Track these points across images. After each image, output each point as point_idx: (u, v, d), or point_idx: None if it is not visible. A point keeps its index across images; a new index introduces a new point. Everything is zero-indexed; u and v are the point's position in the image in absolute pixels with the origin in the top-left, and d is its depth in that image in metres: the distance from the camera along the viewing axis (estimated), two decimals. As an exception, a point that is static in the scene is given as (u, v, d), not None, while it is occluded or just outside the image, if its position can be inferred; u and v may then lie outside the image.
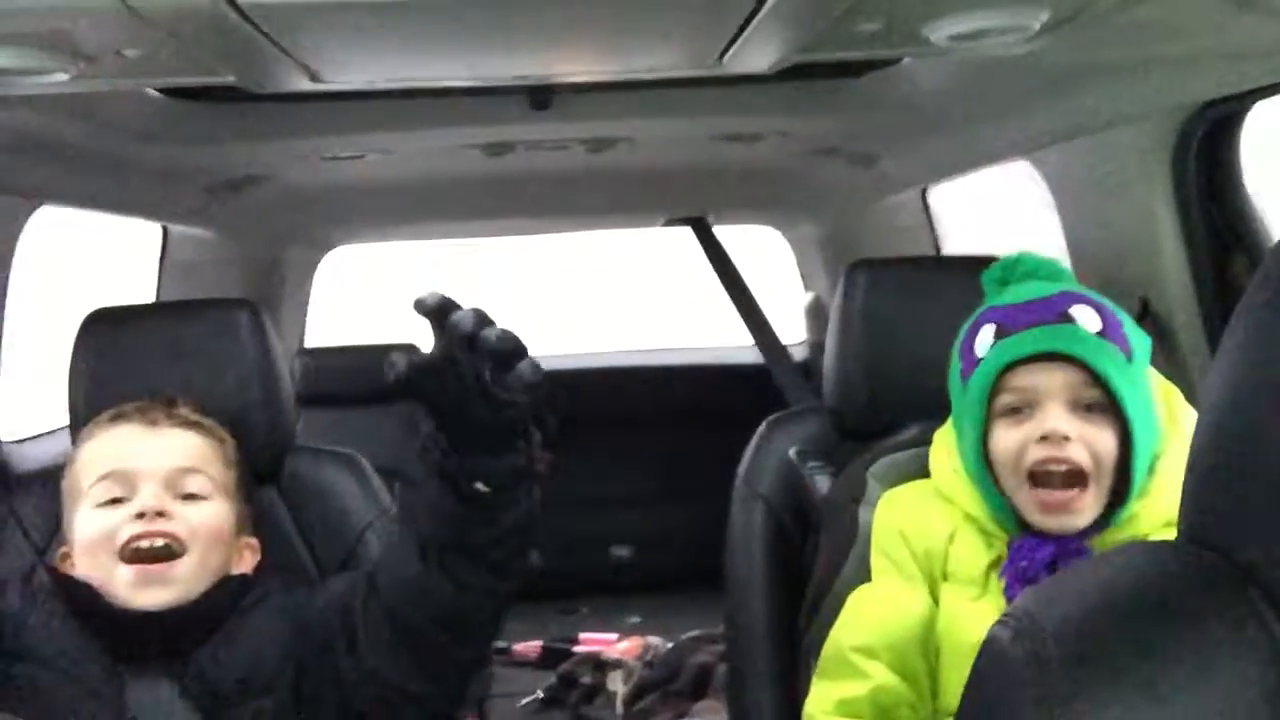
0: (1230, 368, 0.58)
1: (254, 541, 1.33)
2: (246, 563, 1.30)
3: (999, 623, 0.60)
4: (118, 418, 1.31)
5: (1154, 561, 0.61)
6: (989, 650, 0.60)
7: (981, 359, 1.18)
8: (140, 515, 1.20)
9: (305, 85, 1.11)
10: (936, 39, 0.97)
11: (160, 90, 1.54)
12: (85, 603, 1.20)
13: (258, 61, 1.01)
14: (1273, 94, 1.32)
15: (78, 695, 1.16)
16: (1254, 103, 1.40)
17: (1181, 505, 0.62)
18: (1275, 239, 1.50)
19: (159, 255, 2.45)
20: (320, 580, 1.46)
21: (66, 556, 1.27)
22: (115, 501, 1.23)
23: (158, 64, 0.99)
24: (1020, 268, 1.24)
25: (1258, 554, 0.54)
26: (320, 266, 3.13)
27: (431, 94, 1.63)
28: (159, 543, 1.20)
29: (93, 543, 1.21)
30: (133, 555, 1.19)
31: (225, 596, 1.24)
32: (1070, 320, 1.15)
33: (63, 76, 1.03)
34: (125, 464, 1.24)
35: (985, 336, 1.19)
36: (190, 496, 1.25)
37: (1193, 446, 0.61)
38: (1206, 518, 0.59)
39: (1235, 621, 0.53)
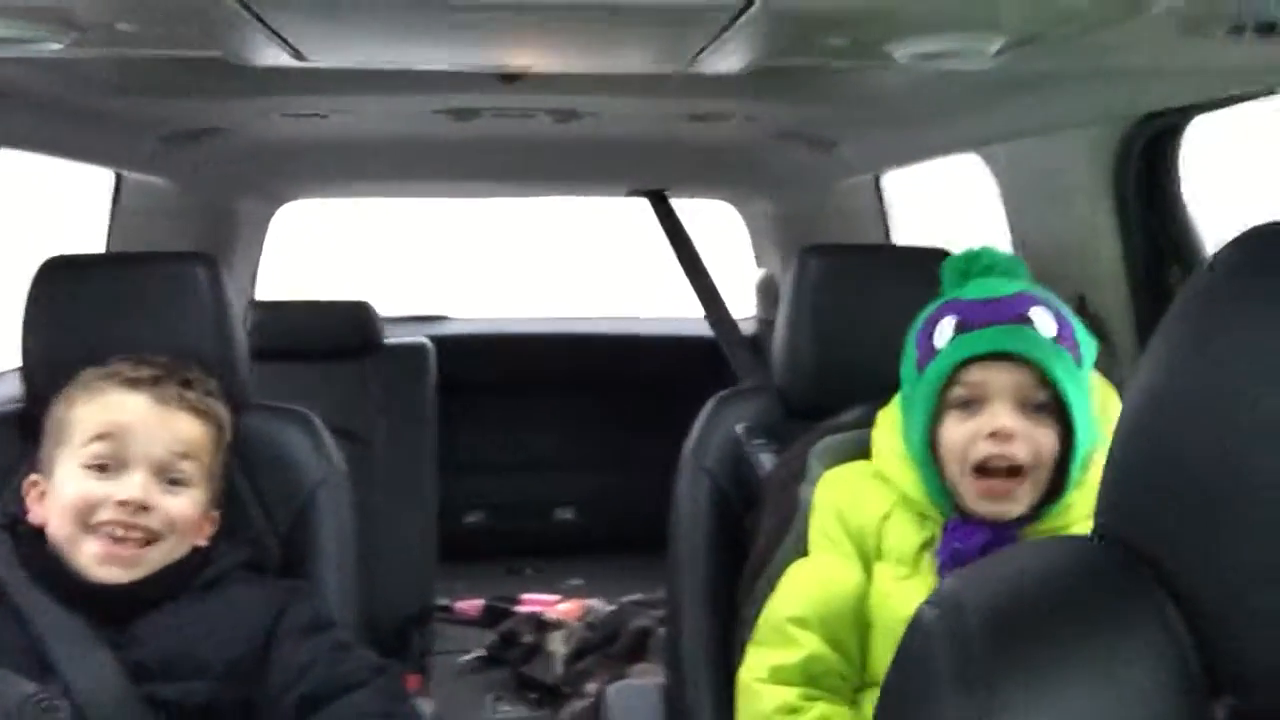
0: (1150, 376, 0.62)
1: (215, 514, 1.34)
2: (204, 533, 1.31)
3: (926, 603, 0.65)
4: (132, 382, 1.29)
5: (1071, 555, 0.65)
6: (915, 628, 0.65)
7: (939, 350, 1.22)
8: (123, 503, 1.21)
9: (290, 63, 1.12)
10: (900, 56, 1.00)
11: None
12: (46, 571, 1.21)
13: (245, 38, 1.01)
14: (1211, 109, 1.38)
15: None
16: (1193, 116, 1.46)
17: (1099, 499, 0.66)
18: (1207, 249, 1.58)
19: (111, 202, 2.42)
20: (273, 534, 1.48)
21: (36, 484, 1.28)
22: (102, 468, 1.23)
23: (148, 37, 1.00)
24: (981, 261, 1.27)
25: (1164, 552, 0.58)
26: (275, 219, 3.11)
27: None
28: (135, 534, 1.21)
29: (69, 506, 1.22)
30: (105, 537, 1.20)
31: (178, 573, 1.25)
32: (1028, 321, 1.19)
33: (55, 46, 1.03)
34: (123, 437, 1.24)
35: (945, 329, 1.23)
36: (175, 482, 1.26)
37: (1111, 446, 0.65)
38: (1120, 515, 0.63)
39: (1140, 615, 0.58)
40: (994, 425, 1.19)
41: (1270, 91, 1.24)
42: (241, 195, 2.83)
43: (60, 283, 1.50)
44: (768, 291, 3.21)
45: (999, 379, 1.19)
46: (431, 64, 1.23)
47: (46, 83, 1.50)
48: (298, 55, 1.10)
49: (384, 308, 2.98)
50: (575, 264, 5.58)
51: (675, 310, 3.48)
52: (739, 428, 1.57)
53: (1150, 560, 0.59)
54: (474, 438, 3.11)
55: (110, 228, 2.44)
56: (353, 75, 1.67)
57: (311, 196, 3.14)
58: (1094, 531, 0.66)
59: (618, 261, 5.20)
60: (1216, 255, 0.60)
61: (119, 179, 2.40)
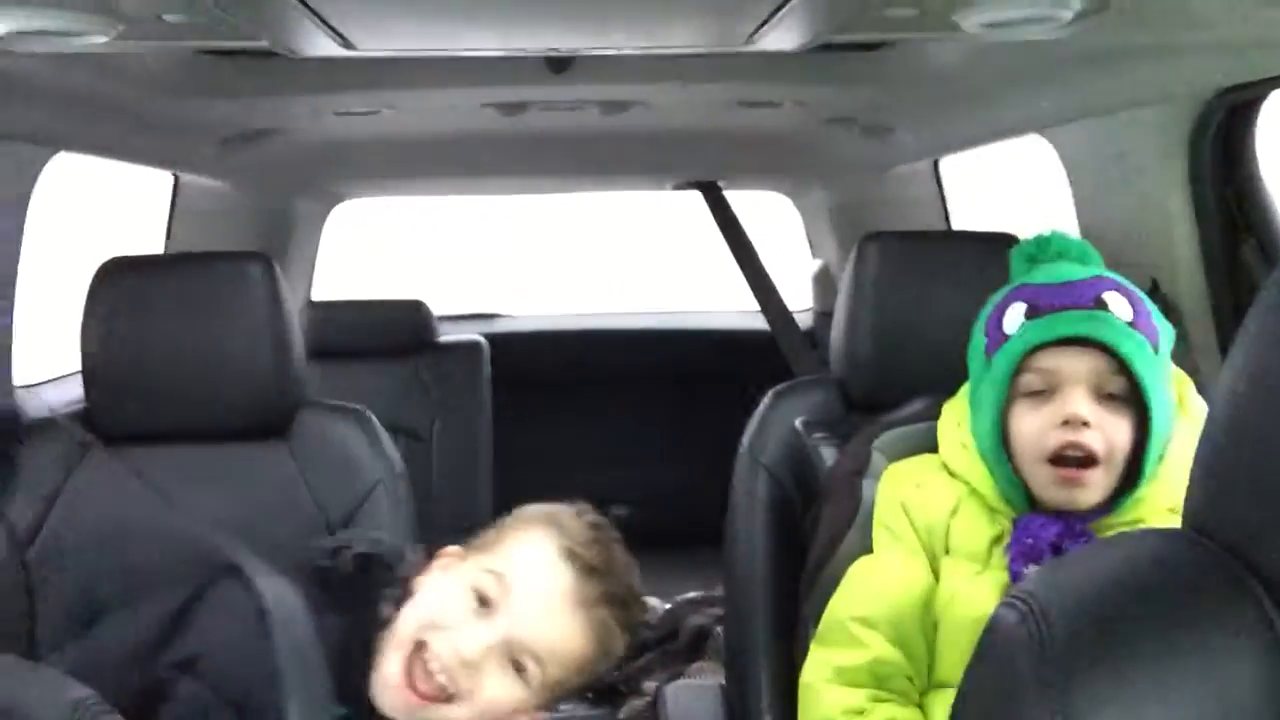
0: (1243, 364, 0.58)
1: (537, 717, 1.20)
2: None
3: (1005, 603, 0.62)
4: (568, 557, 1.18)
5: (1160, 551, 0.62)
6: (994, 630, 0.62)
7: (1010, 336, 1.18)
8: (444, 655, 1.13)
9: (338, 52, 1.11)
10: (968, 26, 0.96)
11: None
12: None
13: (292, 27, 1.01)
14: (1292, 81, 1.32)
15: None
16: (1271, 90, 1.40)
17: (1188, 495, 0.63)
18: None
19: (169, 204, 2.45)
20: (326, 532, 1.47)
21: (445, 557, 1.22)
22: (483, 602, 1.15)
23: (195, 28, 1.00)
24: (1051, 247, 1.24)
25: (1261, 549, 0.55)
26: (330, 219, 3.13)
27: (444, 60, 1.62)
28: (437, 687, 1.12)
29: (411, 629, 1.15)
30: (421, 673, 1.13)
31: None
32: (1103, 306, 1.15)
33: (102, 38, 1.03)
34: (509, 588, 1.15)
35: (1015, 314, 1.19)
36: (519, 668, 1.15)
37: (1202, 438, 0.61)
38: (1212, 510, 0.60)
39: (1237, 615, 0.55)
40: (1067, 413, 1.14)
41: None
42: (297, 196, 2.85)
43: (118, 284, 1.52)
44: (824, 283, 3.17)
45: (1072, 366, 1.15)
46: (481, 49, 1.21)
47: (105, 85, 1.52)
48: (346, 44, 1.09)
49: (439, 306, 2.99)
50: (629, 259, 5.57)
51: (730, 304, 3.45)
52: (798, 421, 1.54)
53: (1245, 557, 0.56)
54: (529, 434, 3.11)
55: (169, 229, 2.48)
56: (402, 68, 1.67)
57: (365, 195, 3.16)
58: (1184, 524, 0.62)
59: (672, 255, 5.17)
60: None
61: (177, 181, 2.43)
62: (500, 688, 1.14)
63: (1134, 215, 1.66)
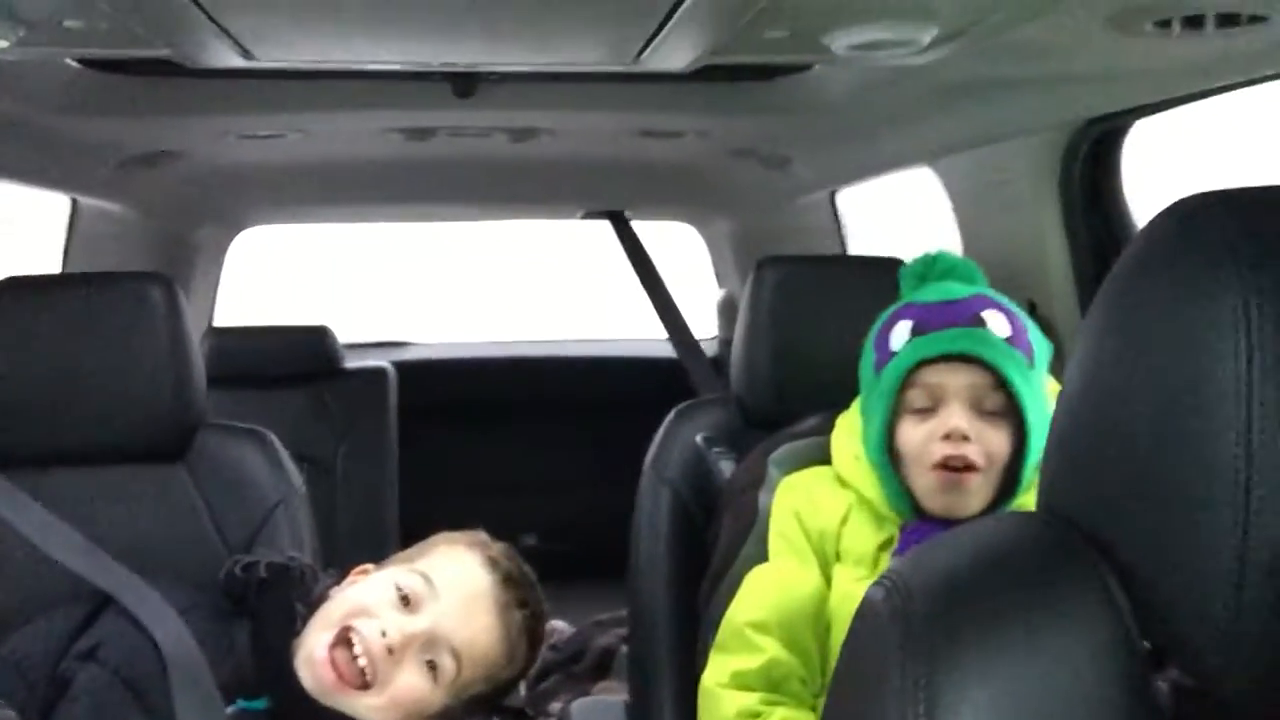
0: (1086, 352, 0.62)
1: None
2: None
3: (875, 584, 0.65)
4: (492, 562, 1.27)
5: (1015, 531, 0.66)
6: (863, 608, 0.65)
7: (896, 353, 1.24)
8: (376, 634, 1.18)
9: (237, 63, 1.12)
10: (836, 48, 1.03)
11: (80, 61, 1.52)
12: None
13: (193, 36, 1.02)
14: (1153, 112, 1.41)
15: None
16: (1136, 119, 1.49)
17: (1041, 477, 0.67)
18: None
19: (66, 229, 2.40)
20: (227, 554, 1.46)
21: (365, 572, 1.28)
22: (405, 601, 1.21)
23: (95, 35, 1.00)
24: (938, 265, 1.29)
25: (1106, 527, 0.59)
26: (233, 246, 3.09)
27: (354, 76, 1.64)
28: (355, 670, 1.17)
29: (338, 613, 1.21)
30: (346, 659, 1.18)
31: None
32: (982, 324, 1.21)
33: (2, 44, 1.02)
34: (435, 623, 1.20)
35: (901, 332, 1.24)
36: (431, 665, 1.20)
37: (1052, 424, 0.66)
38: (1063, 491, 0.64)
39: (1082, 589, 0.58)
40: (948, 427, 1.20)
41: (1207, 93, 1.27)
42: (200, 222, 2.81)
43: (14, 303, 1.49)
44: (728, 311, 3.23)
45: (954, 381, 1.21)
46: (379, 62, 1.23)
47: (1, 101, 1.49)
48: (245, 54, 1.10)
49: (344, 333, 2.97)
50: (535, 287, 5.59)
51: (637, 332, 3.49)
52: (699, 437, 1.58)
53: (1093, 535, 0.60)
54: (436, 463, 3.09)
55: (66, 254, 2.42)
56: (306, 90, 1.68)
57: (269, 222, 3.13)
58: (1038, 506, 0.67)
59: (578, 284, 5.21)
60: (1145, 229, 0.61)
61: (75, 205, 2.38)
62: (413, 680, 1.19)
63: (1012, 241, 1.75)
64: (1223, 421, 0.53)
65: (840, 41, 1.01)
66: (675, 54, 1.09)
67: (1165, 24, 0.92)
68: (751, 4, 0.90)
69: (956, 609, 0.60)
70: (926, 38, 0.99)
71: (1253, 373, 0.52)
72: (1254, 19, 0.92)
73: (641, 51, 1.08)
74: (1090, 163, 1.59)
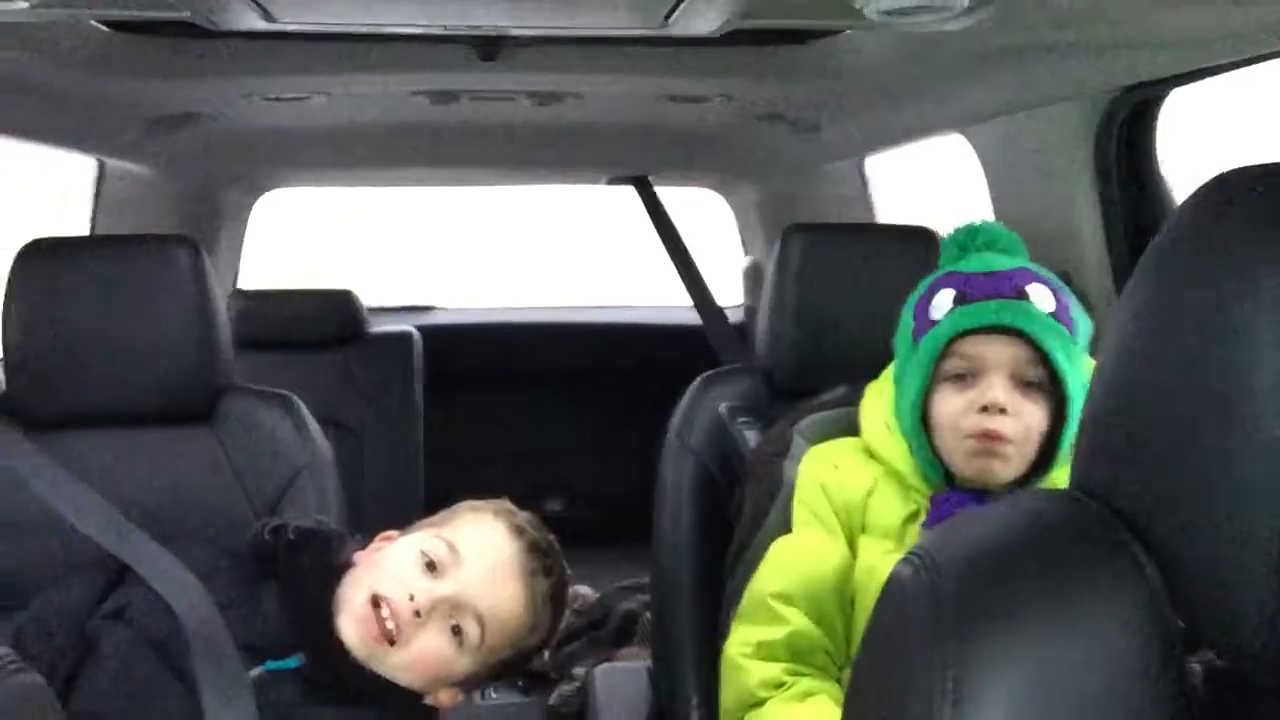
0: (1121, 331, 0.62)
1: (457, 694, 1.29)
2: (438, 698, 1.27)
3: (903, 560, 0.65)
4: (517, 533, 1.28)
5: (1046, 510, 0.65)
6: (891, 584, 0.65)
7: (936, 322, 1.22)
8: (398, 599, 1.20)
9: (257, 24, 1.11)
10: (869, 12, 1.01)
11: (105, 23, 1.52)
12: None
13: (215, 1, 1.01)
14: (1190, 80, 1.38)
15: None
16: (1172, 88, 1.46)
17: (1074, 457, 0.66)
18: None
19: (94, 191, 2.41)
20: (252, 518, 1.47)
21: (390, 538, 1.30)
22: (430, 566, 1.23)
23: None
24: (980, 237, 1.28)
25: (1141, 508, 0.59)
26: (257, 208, 3.10)
27: (378, 39, 1.63)
28: (383, 629, 1.20)
29: (369, 580, 1.22)
30: (372, 618, 1.20)
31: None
32: (1025, 297, 1.19)
33: (22, 5, 1.02)
34: (461, 589, 1.21)
35: (943, 300, 1.23)
36: (456, 630, 1.23)
37: (1086, 403, 0.65)
38: (1096, 469, 0.63)
39: (1114, 568, 0.58)
40: (987, 399, 1.19)
41: (1246, 61, 1.24)
42: (224, 183, 2.82)
43: (41, 267, 1.50)
44: (754, 278, 3.21)
45: (995, 352, 1.19)
46: (402, 24, 1.22)
47: (21, 62, 1.49)
48: (266, 15, 1.09)
49: (369, 298, 2.97)
50: (562, 253, 5.58)
51: (662, 298, 3.47)
52: (723, 406, 1.58)
53: (1127, 515, 0.59)
54: (460, 428, 3.11)
55: (94, 216, 2.43)
56: (331, 53, 1.67)
57: (293, 185, 3.13)
58: (1071, 484, 0.66)
59: (605, 250, 5.19)
60: (1184, 203, 0.60)
61: (102, 167, 2.39)
62: (438, 643, 1.21)
63: (1047, 211, 1.73)
64: (1264, 402, 0.52)
65: (873, 5, 0.99)
66: (704, 17, 1.08)
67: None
68: None
69: (986, 586, 0.60)
70: (963, 3, 0.97)
71: None
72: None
73: (670, 14, 1.06)
74: (1126, 131, 1.56)
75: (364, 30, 1.29)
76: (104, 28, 1.53)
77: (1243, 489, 0.53)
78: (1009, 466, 1.21)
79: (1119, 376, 0.62)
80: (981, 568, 0.61)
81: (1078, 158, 1.61)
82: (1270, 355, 0.52)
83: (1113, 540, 0.59)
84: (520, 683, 2.49)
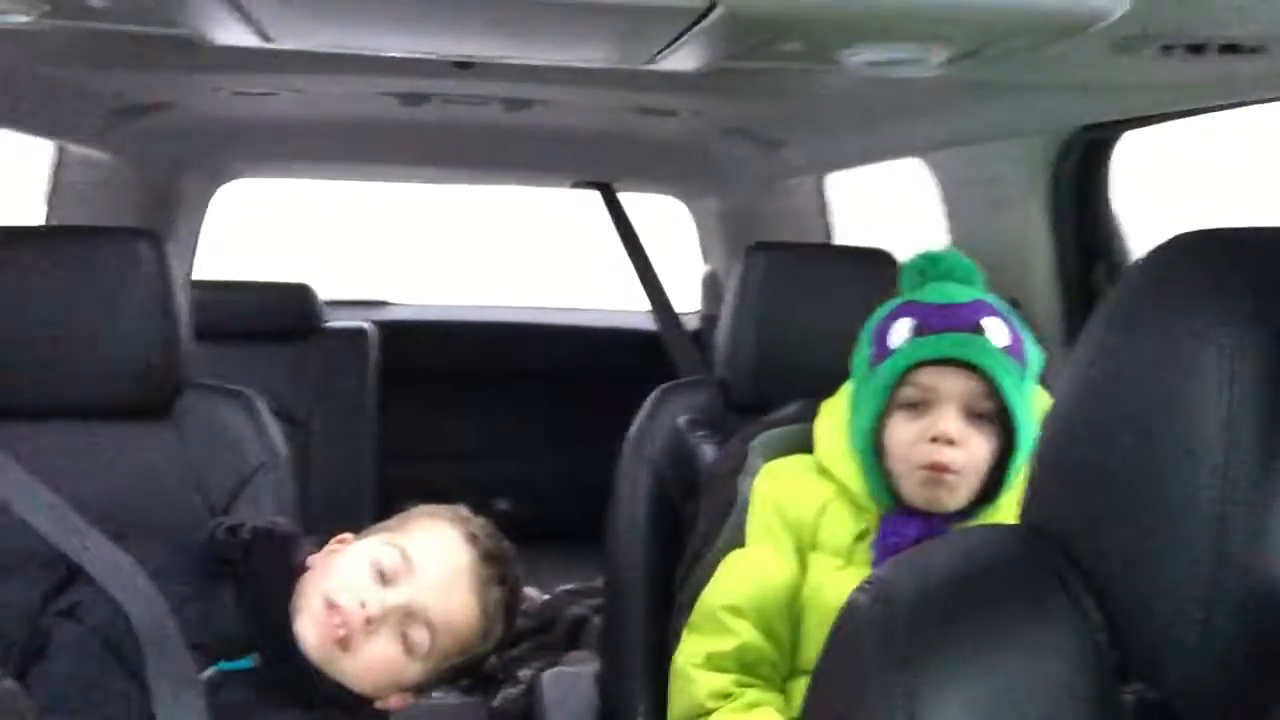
0: (1076, 374, 0.64)
1: (407, 698, 1.29)
2: (388, 700, 1.27)
3: (858, 589, 0.67)
4: (471, 538, 1.28)
5: (994, 544, 0.68)
6: (847, 612, 0.67)
7: (894, 350, 1.25)
8: (342, 607, 1.20)
9: (255, 43, 1.12)
10: (850, 63, 1.04)
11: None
12: None
13: (214, 17, 1.01)
14: (1141, 125, 1.44)
15: None
16: (1125, 130, 1.51)
17: (1024, 492, 0.69)
18: (1134, 253, 1.64)
19: (51, 176, 2.37)
20: (208, 515, 1.47)
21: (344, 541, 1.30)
22: (381, 576, 1.23)
23: (117, 12, 0.99)
24: (940, 265, 1.30)
25: (1082, 543, 0.61)
26: (216, 197, 3.06)
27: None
28: (342, 630, 1.20)
29: (325, 587, 1.23)
30: (328, 623, 1.21)
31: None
32: (981, 331, 1.22)
33: (23, 19, 1.01)
34: (413, 597, 1.22)
35: (901, 329, 1.25)
36: (406, 638, 1.23)
37: (1039, 440, 0.68)
38: (1042, 506, 0.66)
39: (1056, 603, 0.60)
40: (937, 429, 1.22)
41: (1195, 111, 1.29)
42: (185, 172, 2.78)
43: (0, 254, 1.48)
44: (712, 287, 3.24)
45: (949, 384, 1.22)
46: (393, 50, 1.23)
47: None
48: (264, 36, 1.10)
49: (325, 291, 2.95)
50: (520, 254, 5.57)
51: (619, 303, 3.49)
52: (681, 419, 1.60)
53: (1071, 551, 0.62)
54: (413, 424, 3.10)
55: (49, 202, 2.39)
56: (302, 51, 1.66)
57: (255, 176, 3.10)
58: (1020, 520, 0.69)
59: (562, 252, 5.19)
60: (1142, 260, 0.63)
61: (60, 152, 2.35)
62: (389, 650, 1.22)
63: (999, 238, 1.77)
64: (1203, 452, 0.55)
65: (855, 58, 1.02)
66: (689, 59, 1.10)
67: (1169, 49, 0.94)
68: (771, 22, 0.91)
69: (937, 618, 0.62)
70: (940, 59, 1.01)
71: (1233, 408, 0.54)
72: (1254, 49, 0.94)
73: (656, 55, 1.09)
74: (1080, 168, 1.61)
75: (352, 52, 1.29)
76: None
77: (1180, 532, 0.55)
78: (956, 496, 1.24)
79: (1070, 419, 0.64)
80: (933, 600, 0.64)
81: (1033, 188, 1.66)
82: (1211, 410, 0.55)
83: (1055, 576, 0.62)
84: (465, 683, 2.50)
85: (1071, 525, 0.63)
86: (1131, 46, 0.98)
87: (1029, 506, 0.68)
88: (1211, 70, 1.04)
